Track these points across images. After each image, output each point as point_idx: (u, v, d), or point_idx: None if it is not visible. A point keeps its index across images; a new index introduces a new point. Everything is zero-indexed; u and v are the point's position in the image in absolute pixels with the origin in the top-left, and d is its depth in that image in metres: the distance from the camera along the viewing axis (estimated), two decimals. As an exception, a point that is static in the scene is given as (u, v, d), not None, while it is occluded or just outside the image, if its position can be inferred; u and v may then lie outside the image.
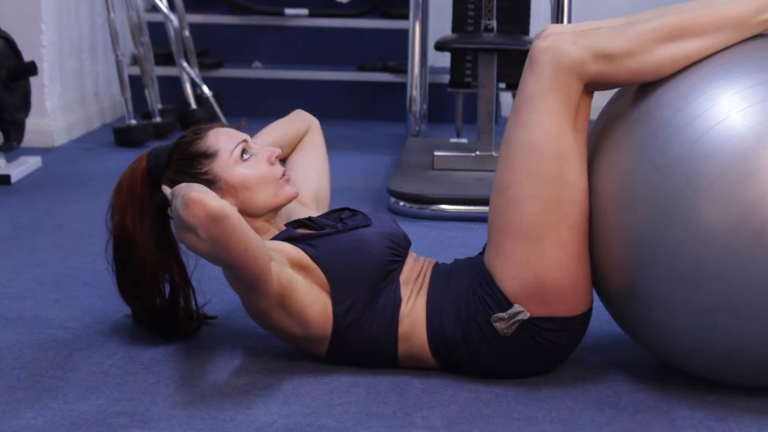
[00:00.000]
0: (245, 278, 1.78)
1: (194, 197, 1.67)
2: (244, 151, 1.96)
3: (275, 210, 1.99)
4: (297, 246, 1.90)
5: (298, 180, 2.18)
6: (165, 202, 1.94)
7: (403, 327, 1.89)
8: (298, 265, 1.87)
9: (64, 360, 1.99)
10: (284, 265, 1.84)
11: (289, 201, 1.99)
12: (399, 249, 1.96)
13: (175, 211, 1.73)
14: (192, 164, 1.95)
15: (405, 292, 1.91)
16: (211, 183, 1.93)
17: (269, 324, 1.89)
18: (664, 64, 1.79)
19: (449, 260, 2.03)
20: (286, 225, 2.04)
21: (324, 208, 2.21)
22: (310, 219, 2.03)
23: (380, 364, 1.93)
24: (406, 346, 1.90)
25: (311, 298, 1.86)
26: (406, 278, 1.93)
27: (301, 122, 2.28)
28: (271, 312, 1.85)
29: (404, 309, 1.89)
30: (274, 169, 1.97)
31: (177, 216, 1.72)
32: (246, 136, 1.99)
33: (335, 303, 1.88)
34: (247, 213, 1.93)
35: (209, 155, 1.95)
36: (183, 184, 1.80)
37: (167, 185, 1.93)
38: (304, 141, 2.27)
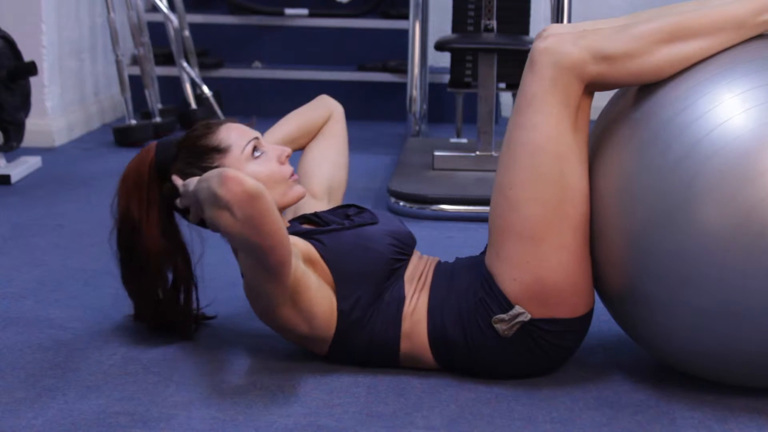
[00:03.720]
0: (270, 263, 1.75)
1: (232, 174, 1.67)
2: (255, 149, 1.97)
3: (282, 209, 2.00)
4: (305, 240, 1.90)
5: (312, 170, 2.19)
6: (172, 193, 1.94)
7: (406, 325, 1.89)
8: (308, 259, 1.87)
9: (64, 360, 1.99)
10: (298, 258, 1.84)
11: (296, 201, 2.00)
12: (404, 247, 1.96)
13: (209, 191, 1.70)
14: (203, 158, 1.95)
15: (409, 290, 1.91)
16: None
17: (276, 320, 1.88)
18: (664, 65, 1.79)
19: (449, 261, 2.03)
20: (291, 221, 2.04)
21: (337, 200, 2.21)
22: (315, 215, 2.02)
23: (381, 363, 1.94)
24: (408, 346, 1.90)
25: (320, 294, 1.86)
26: (410, 276, 1.93)
27: (322, 109, 2.28)
28: (280, 308, 1.84)
29: (407, 307, 1.90)
30: (284, 169, 1.98)
31: (212, 195, 1.70)
32: (257, 134, 2.00)
33: (340, 300, 1.88)
34: None
35: (221, 150, 1.95)
36: (213, 171, 1.76)
37: (177, 176, 1.94)
38: (323, 129, 2.27)
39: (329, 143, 2.25)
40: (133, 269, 2.02)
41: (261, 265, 1.77)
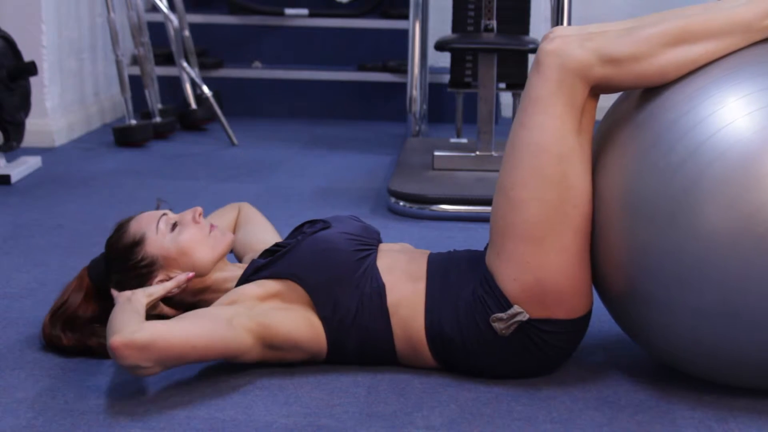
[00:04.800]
0: (215, 358, 1.85)
1: (115, 344, 1.71)
2: (173, 224, 2.01)
3: (219, 260, 2.03)
4: (263, 274, 1.94)
5: (248, 246, 2.25)
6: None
7: (397, 318, 1.90)
8: (269, 296, 1.91)
9: (64, 360, 1.99)
10: (252, 308, 1.87)
11: (229, 248, 2.05)
12: (363, 239, 1.98)
13: (112, 358, 1.75)
14: (128, 258, 1.98)
15: (388, 278, 1.92)
16: (152, 265, 1.97)
17: (272, 360, 1.92)
18: (670, 68, 1.79)
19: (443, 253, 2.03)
20: (254, 260, 2.05)
21: None
22: (276, 244, 2.05)
23: (380, 360, 1.94)
24: (405, 342, 1.91)
25: (292, 321, 1.89)
26: (388, 266, 1.94)
27: (230, 209, 2.39)
28: (263, 356, 1.89)
29: (392, 296, 1.90)
30: (202, 227, 2.02)
31: (121, 365, 1.75)
32: (164, 211, 2.04)
33: (319, 308, 1.89)
34: (196, 276, 1.99)
35: (138, 242, 1.99)
36: (109, 322, 1.80)
37: (115, 289, 1.97)
38: (239, 221, 2.35)
39: (251, 226, 2.33)
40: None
41: (212, 360, 1.87)
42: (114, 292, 1.96)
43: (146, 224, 2.00)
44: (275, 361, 1.92)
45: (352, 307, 1.90)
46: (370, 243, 1.99)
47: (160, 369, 1.77)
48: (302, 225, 2.11)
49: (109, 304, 1.95)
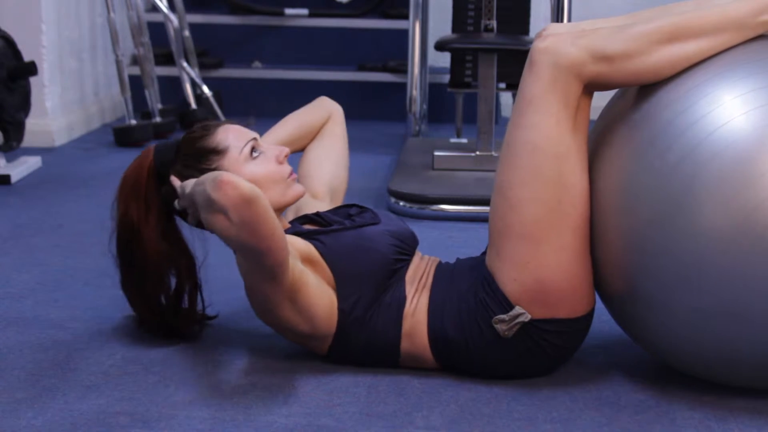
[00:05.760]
0: (266, 265, 1.76)
1: (227, 178, 1.67)
2: (253, 149, 1.97)
3: (282, 209, 2.00)
4: (305, 240, 1.91)
5: (312, 171, 2.20)
6: (171, 195, 1.94)
7: (406, 325, 1.89)
8: (307, 259, 1.87)
9: (64, 360, 1.99)
10: (296, 258, 1.84)
11: (296, 200, 2.01)
12: (406, 248, 1.96)
13: (205, 195, 1.71)
14: (201, 159, 1.96)
15: (410, 290, 1.91)
16: None
17: (276, 320, 1.88)
18: (664, 65, 1.79)
19: (450, 261, 2.03)
20: (292, 221, 2.04)
21: (338, 200, 2.22)
22: (317, 214, 2.02)
23: (381, 363, 1.93)
24: (408, 346, 1.90)
25: (319, 293, 1.86)
26: (411, 277, 1.93)
27: (321, 111, 2.29)
28: (280, 307, 1.84)
29: (408, 307, 1.90)
30: (283, 168, 1.98)
31: (207, 199, 1.70)
32: (255, 134, 2.01)
33: (340, 299, 1.88)
34: None
35: (219, 151, 1.96)
36: (209, 174, 1.77)
37: (176, 177, 1.94)
38: (323, 130, 2.27)
39: (329, 144, 2.26)
40: (133, 274, 2.01)
41: (258, 266, 1.78)
42: (175, 180, 1.92)
43: (233, 139, 1.97)
44: (283, 323, 1.87)
45: (370, 310, 1.88)
46: (409, 252, 1.97)
47: (235, 231, 1.68)
48: (350, 206, 2.07)
49: (161, 188, 1.95)
